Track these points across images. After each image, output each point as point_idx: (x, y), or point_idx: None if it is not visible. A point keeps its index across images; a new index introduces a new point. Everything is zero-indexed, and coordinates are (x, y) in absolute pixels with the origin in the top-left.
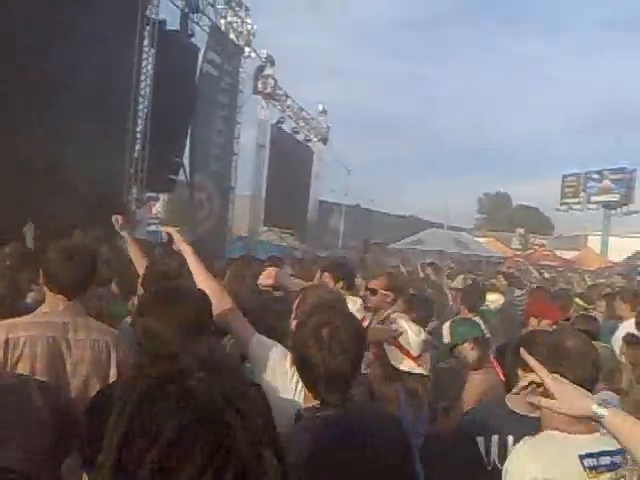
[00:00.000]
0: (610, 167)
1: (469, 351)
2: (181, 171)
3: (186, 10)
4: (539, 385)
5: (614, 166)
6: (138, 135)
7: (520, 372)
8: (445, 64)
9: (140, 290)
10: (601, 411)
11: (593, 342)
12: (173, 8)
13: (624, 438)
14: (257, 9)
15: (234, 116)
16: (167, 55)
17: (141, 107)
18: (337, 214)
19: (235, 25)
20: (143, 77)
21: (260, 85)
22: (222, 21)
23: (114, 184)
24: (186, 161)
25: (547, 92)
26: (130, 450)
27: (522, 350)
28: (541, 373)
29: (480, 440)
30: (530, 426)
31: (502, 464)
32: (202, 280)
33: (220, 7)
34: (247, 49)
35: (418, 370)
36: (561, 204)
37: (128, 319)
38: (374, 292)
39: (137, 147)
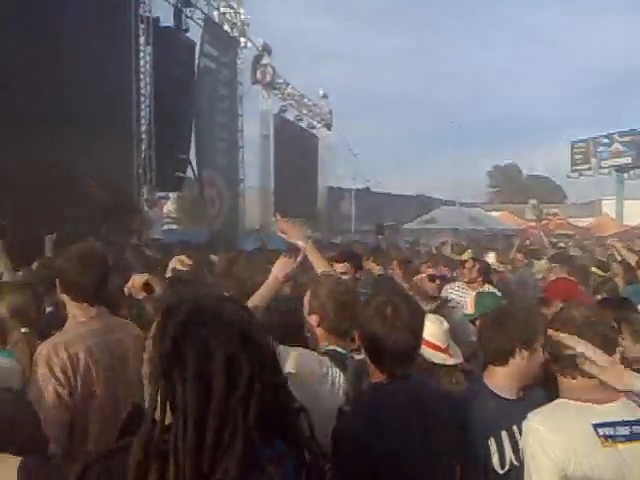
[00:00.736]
0: (619, 130)
1: None
2: (189, 168)
3: (179, 5)
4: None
5: (623, 129)
6: (143, 135)
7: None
8: (446, 38)
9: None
10: None
11: None
12: (165, 4)
13: None
14: None
15: (236, 108)
16: (164, 52)
17: (143, 107)
18: (347, 199)
19: (229, 16)
20: (142, 76)
21: (259, 75)
22: (215, 13)
23: (125, 186)
24: (193, 158)
25: (550, 59)
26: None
27: (552, 332)
28: (583, 347)
29: (492, 442)
30: (521, 408)
31: (517, 460)
32: None
33: None
34: (242, 39)
35: (451, 361)
36: (572, 171)
37: None
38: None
39: (143, 147)
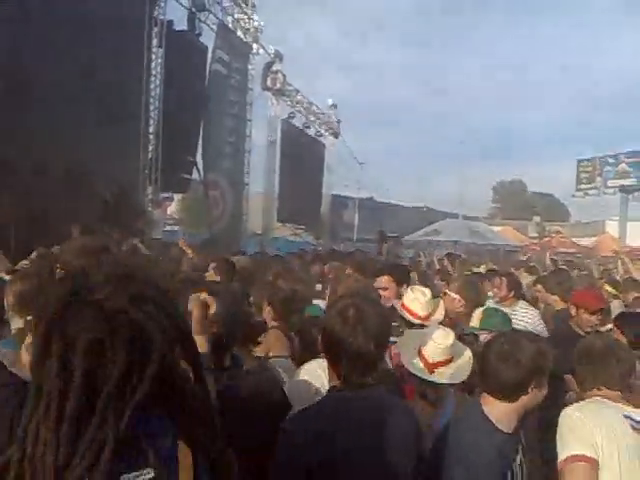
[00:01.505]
0: (626, 150)
1: None
2: (194, 170)
3: (193, 9)
4: None
5: (630, 149)
6: (151, 136)
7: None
8: (457, 52)
9: None
10: None
11: None
12: (180, 8)
13: None
14: (263, 5)
15: (244, 113)
16: (176, 55)
17: (152, 108)
18: (351, 207)
19: (242, 22)
20: (153, 78)
21: (269, 81)
22: (229, 18)
23: (130, 185)
24: (199, 160)
25: (559, 76)
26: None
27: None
28: None
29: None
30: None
31: None
32: None
33: (227, 5)
34: (255, 46)
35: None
36: (577, 190)
37: None
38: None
39: (150, 148)
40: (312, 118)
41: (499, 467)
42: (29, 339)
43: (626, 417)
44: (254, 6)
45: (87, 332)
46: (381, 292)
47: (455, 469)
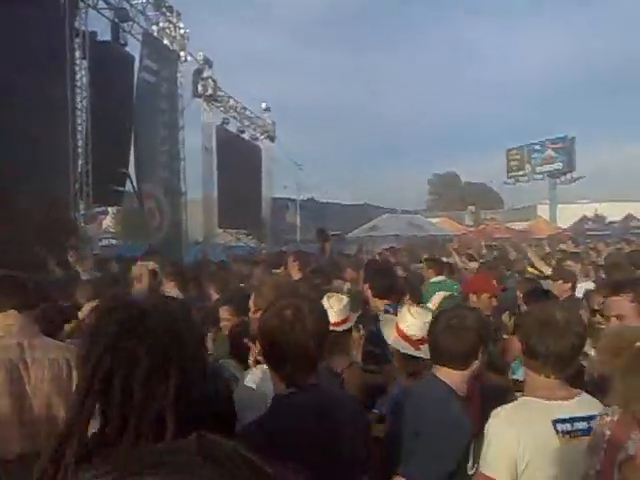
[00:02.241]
0: (551, 137)
1: None
2: (128, 182)
3: (116, 20)
4: None
5: (554, 136)
6: (80, 150)
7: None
8: (384, 53)
9: None
10: None
11: None
12: (103, 19)
13: None
14: (189, 12)
15: (176, 121)
16: (101, 66)
17: (80, 121)
18: (292, 209)
19: (168, 30)
20: (79, 90)
21: (200, 88)
22: (154, 27)
23: (61, 202)
24: (132, 171)
25: (483, 71)
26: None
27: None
28: None
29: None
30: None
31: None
32: None
33: (151, 14)
34: (182, 53)
35: (420, 354)
36: (508, 177)
37: None
38: None
39: (80, 162)
40: (247, 123)
41: (464, 430)
42: None
43: (555, 423)
44: (179, 14)
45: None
46: None
47: (420, 438)
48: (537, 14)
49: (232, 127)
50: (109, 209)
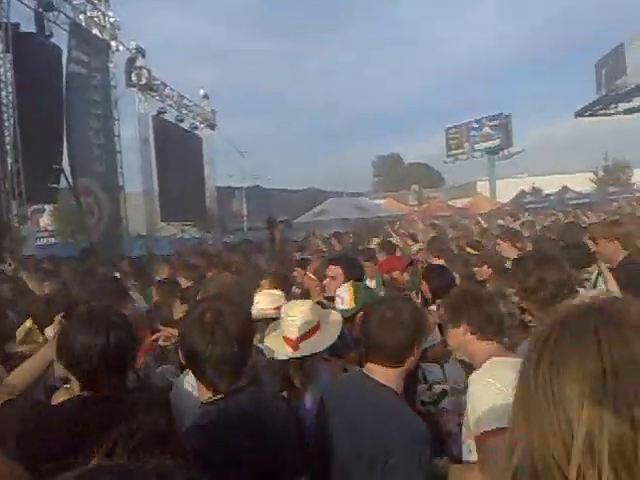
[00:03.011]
0: (488, 114)
1: None
2: (63, 178)
3: (40, 10)
4: None
5: (491, 113)
6: (8, 147)
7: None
8: (324, 36)
9: None
10: None
11: None
12: (26, 9)
13: None
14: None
15: (110, 113)
16: (26, 59)
17: (6, 117)
18: (238, 198)
19: (97, 19)
20: (3, 85)
21: (134, 78)
22: (81, 17)
23: None
24: (66, 167)
25: (420, 53)
26: None
27: None
28: None
29: None
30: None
31: None
32: None
33: (77, 2)
34: (113, 43)
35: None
36: (448, 156)
37: None
38: None
39: (10, 160)
40: (185, 111)
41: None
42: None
43: None
44: (107, 2)
45: None
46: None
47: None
48: None
49: (170, 116)
50: (46, 207)
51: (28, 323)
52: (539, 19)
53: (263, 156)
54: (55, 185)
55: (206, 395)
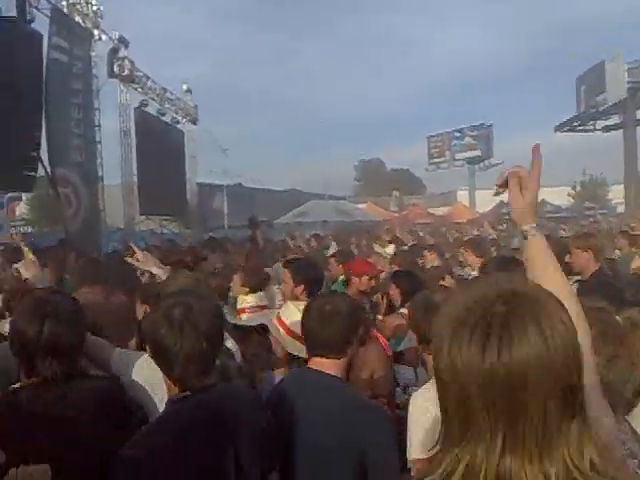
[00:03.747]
0: (469, 125)
1: None
2: (40, 167)
3: None
4: None
5: (473, 124)
6: None
7: None
8: (310, 38)
9: None
10: (533, 231)
11: None
12: None
13: (532, 263)
14: None
15: (91, 103)
16: (5, 44)
17: None
18: (219, 195)
19: (79, 7)
20: None
21: (116, 68)
22: (64, 3)
23: None
24: (44, 156)
25: (407, 61)
26: None
27: None
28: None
29: None
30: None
31: None
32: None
33: None
34: (96, 32)
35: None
36: (429, 164)
37: None
38: None
39: None
40: (167, 105)
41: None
42: None
43: None
44: None
45: None
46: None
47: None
48: (456, 5)
49: (152, 109)
50: (23, 195)
51: None
52: (522, 33)
53: (246, 154)
54: (32, 173)
55: (173, 391)
